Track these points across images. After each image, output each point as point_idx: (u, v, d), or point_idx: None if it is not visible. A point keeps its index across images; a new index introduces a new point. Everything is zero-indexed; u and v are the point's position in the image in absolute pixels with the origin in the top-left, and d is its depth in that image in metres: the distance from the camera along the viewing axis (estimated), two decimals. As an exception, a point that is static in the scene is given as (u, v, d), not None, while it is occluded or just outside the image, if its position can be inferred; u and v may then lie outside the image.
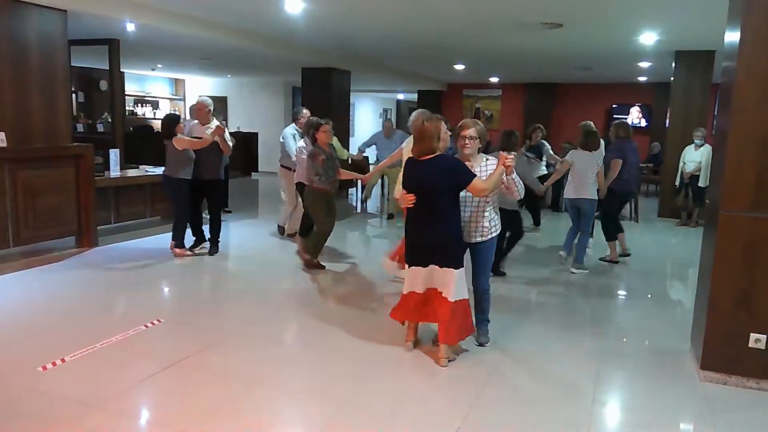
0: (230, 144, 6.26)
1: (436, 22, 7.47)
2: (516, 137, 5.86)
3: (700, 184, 8.39)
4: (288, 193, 7.16)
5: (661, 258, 7.18)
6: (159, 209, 7.87)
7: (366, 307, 4.91)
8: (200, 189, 6.27)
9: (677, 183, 9.02)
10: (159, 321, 4.32)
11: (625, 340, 4.43)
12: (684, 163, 8.76)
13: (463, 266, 3.68)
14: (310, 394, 3.31)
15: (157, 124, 14.56)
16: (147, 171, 7.72)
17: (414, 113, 5.23)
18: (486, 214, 3.78)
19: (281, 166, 7.25)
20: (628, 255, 6.67)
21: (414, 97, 17.97)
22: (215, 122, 6.42)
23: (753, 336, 3.44)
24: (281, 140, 7.19)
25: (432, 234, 3.59)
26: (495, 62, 11.68)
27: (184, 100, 15.83)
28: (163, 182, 6.35)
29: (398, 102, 22.20)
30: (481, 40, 8.80)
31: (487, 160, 3.82)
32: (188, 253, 6.34)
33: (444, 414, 3.09)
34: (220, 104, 13.37)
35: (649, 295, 5.56)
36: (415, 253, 3.70)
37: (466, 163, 3.68)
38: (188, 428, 2.88)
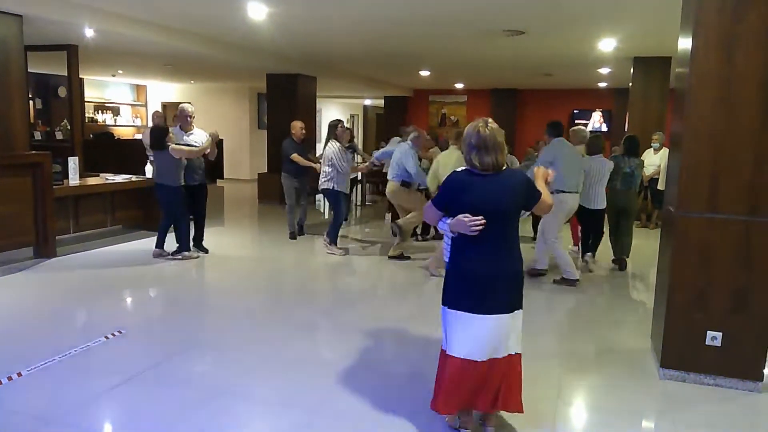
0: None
1: (399, 29, 7.52)
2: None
3: (659, 186, 8.62)
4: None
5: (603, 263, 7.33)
6: (120, 218, 7.72)
7: (339, 314, 4.89)
8: (192, 194, 6.56)
9: (637, 186, 9.23)
10: (120, 332, 4.23)
11: (586, 339, 4.51)
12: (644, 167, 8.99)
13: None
14: (277, 404, 3.28)
15: (118, 131, 14.31)
16: (107, 179, 7.56)
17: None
18: None
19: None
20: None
21: (381, 102, 18.03)
22: (197, 129, 6.60)
23: (709, 334, 3.54)
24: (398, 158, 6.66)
25: (505, 268, 2.80)
26: (459, 69, 11.82)
27: (145, 106, 15.54)
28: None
29: (365, 108, 22.24)
30: (445, 47, 8.89)
31: None
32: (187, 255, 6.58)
33: (406, 415, 3.10)
34: (184, 110, 13.19)
35: (612, 295, 5.68)
36: (479, 296, 2.76)
37: None
38: (151, 441, 2.82)
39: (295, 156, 7.56)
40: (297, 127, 7.77)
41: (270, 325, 4.57)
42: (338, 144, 7.04)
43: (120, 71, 12.84)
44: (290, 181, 7.75)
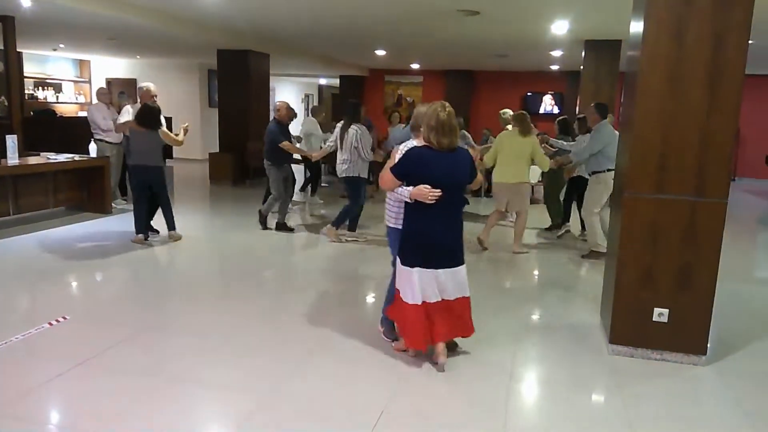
0: None
1: (355, 6, 7.39)
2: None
3: (608, 168, 8.85)
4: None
5: (572, 237, 7.50)
6: (62, 199, 7.41)
7: (289, 296, 4.83)
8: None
9: (587, 167, 9.44)
10: (65, 318, 4.06)
11: (540, 316, 4.60)
12: (593, 148, 9.19)
13: None
14: (229, 388, 3.21)
15: (60, 108, 13.70)
16: (49, 158, 7.22)
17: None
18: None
19: None
20: None
21: (336, 82, 17.81)
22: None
23: (656, 310, 3.65)
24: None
25: (453, 232, 3.43)
26: (415, 48, 11.75)
27: (89, 82, 14.89)
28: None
29: (320, 87, 21.95)
30: (400, 26, 8.81)
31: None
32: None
33: (369, 399, 3.09)
34: (130, 87, 12.65)
35: (564, 271, 5.81)
36: (432, 254, 3.38)
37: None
38: (97, 431, 2.72)
39: (286, 144, 6.89)
40: (283, 108, 6.99)
41: (225, 309, 4.47)
42: (363, 128, 6.38)
43: (61, 45, 12.23)
44: (278, 172, 6.97)
